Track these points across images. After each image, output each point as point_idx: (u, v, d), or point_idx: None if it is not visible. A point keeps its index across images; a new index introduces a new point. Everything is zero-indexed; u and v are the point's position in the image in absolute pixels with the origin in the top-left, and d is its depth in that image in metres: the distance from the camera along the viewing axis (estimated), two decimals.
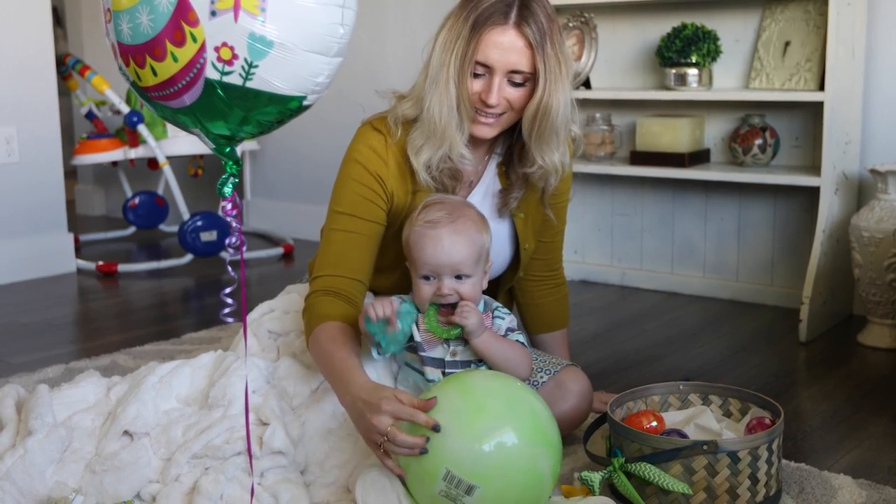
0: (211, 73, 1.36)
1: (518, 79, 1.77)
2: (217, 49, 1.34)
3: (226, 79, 1.35)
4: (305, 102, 1.41)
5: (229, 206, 1.36)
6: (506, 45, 1.75)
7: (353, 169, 1.86)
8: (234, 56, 1.34)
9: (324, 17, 1.35)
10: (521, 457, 1.51)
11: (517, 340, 1.75)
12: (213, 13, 1.33)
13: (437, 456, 1.49)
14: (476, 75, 1.78)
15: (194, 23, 1.34)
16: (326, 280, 1.81)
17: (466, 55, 1.75)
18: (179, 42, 1.35)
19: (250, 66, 1.34)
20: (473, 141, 1.86)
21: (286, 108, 1.41)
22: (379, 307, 1.64)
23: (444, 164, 1.83)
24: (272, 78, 1.36)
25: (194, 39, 1.34)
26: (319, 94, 1.44)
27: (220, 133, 1.43)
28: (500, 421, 1.53)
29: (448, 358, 1.71)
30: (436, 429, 1.48)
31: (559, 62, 1.78)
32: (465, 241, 1.68)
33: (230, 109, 1.39)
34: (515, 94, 1.79)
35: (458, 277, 1.68)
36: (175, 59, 1.36)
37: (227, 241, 1.42)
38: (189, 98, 1.39)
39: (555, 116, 1.80)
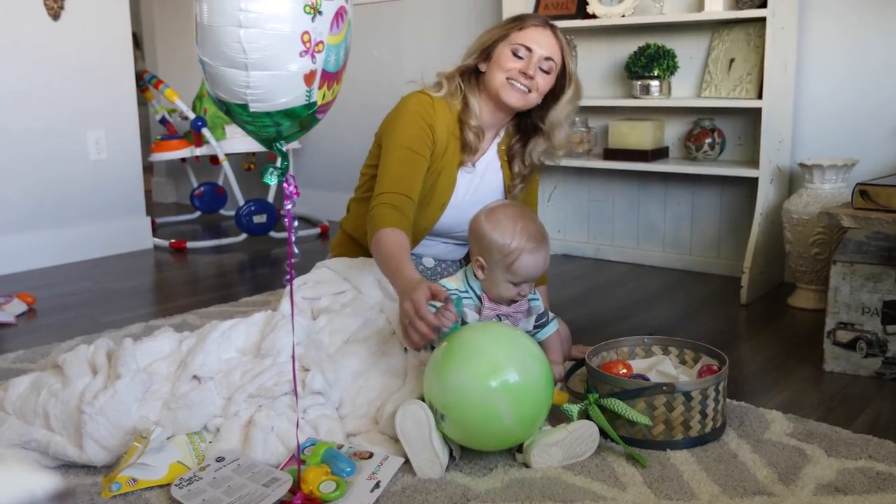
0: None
1: (546, 66, 1.94)
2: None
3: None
4: (252, 108, 1.27)
5: (292, 187, 1.33)
6: (545, 40, 1.95)
7: (410, 115, 1.97)
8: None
9: (224, 36, 1.23)
10: (473, 395, 1.49)
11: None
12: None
13: (423, 389, 1.58)
14: (518, 57, 1.94)
15: None
16: (387, 196, 1.86)
17: (510, 35, 1.95)
18: None
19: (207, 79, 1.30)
20: (492, 116, 2.03)
21: (243, 113, 1.29)
22: (446, 320, 1.55)
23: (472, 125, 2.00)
24: (215, 89, 1.30)
25: None
26: (269, 103, 1.27)
27: (252, 132, 1.37)
28: (460, 364, 1.51)
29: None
30: (447, 300, 1.53)
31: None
32: (548, 256, 1.76)
33: (229, 115, 1.33)
34: (542, 78, 1.96)
35: None
36: None
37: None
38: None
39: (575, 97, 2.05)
